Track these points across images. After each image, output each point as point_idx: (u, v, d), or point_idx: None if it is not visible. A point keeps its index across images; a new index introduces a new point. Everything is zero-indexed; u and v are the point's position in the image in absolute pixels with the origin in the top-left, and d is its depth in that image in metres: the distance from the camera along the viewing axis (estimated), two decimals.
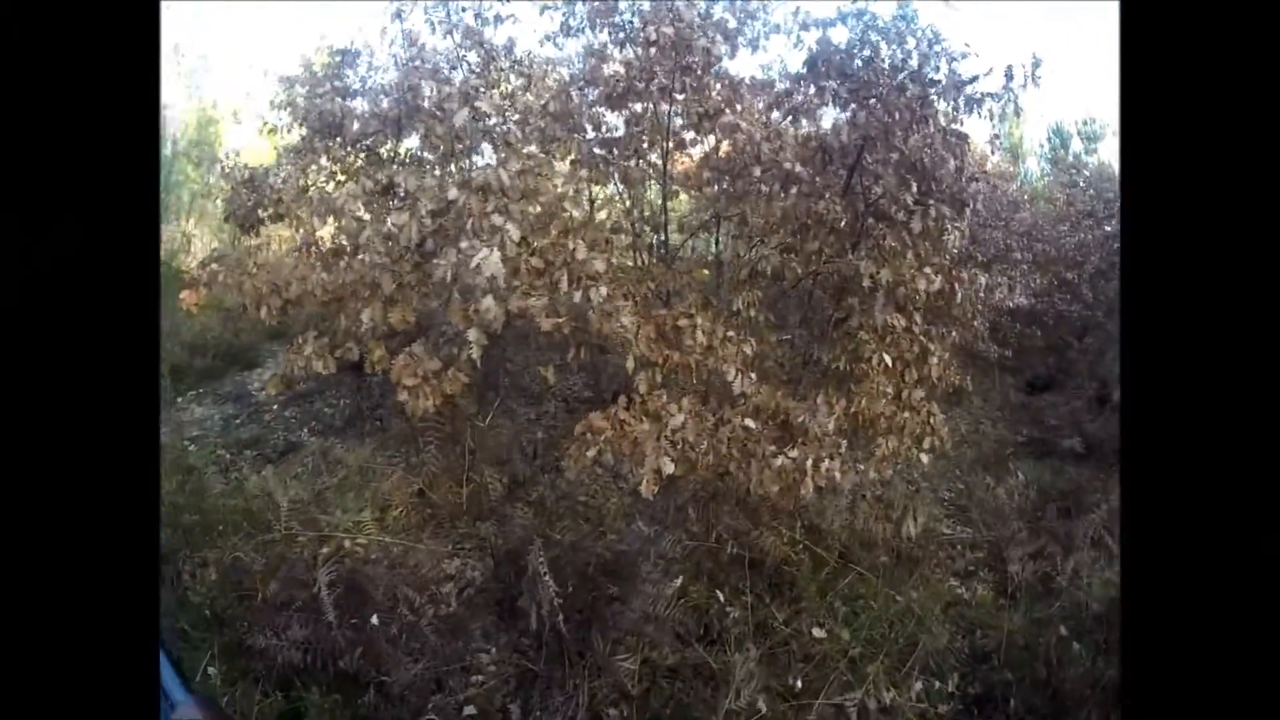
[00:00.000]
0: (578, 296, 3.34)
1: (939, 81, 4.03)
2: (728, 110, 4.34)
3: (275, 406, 6.25)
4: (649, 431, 3.40)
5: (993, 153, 10.73)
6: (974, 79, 4.01)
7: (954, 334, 5.06)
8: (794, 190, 4.07)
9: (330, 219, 4.01)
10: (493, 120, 4.41)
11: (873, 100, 4.04)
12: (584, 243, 3.36)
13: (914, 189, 3.82)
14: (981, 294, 4.69)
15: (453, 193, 3.35)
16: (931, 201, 3.91)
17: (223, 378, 7.12)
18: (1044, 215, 10.51)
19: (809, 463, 3.41)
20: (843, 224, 4.24)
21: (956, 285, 3.94)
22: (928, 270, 3.80)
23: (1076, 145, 14.13)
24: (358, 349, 3.77)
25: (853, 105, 4.16)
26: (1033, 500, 6.41)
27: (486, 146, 4.78)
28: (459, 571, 4.23)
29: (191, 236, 10.75)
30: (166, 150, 10.30)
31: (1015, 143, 15.52)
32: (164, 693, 1.05)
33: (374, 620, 3.61)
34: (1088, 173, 11.20)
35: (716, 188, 4.96)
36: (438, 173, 4.46)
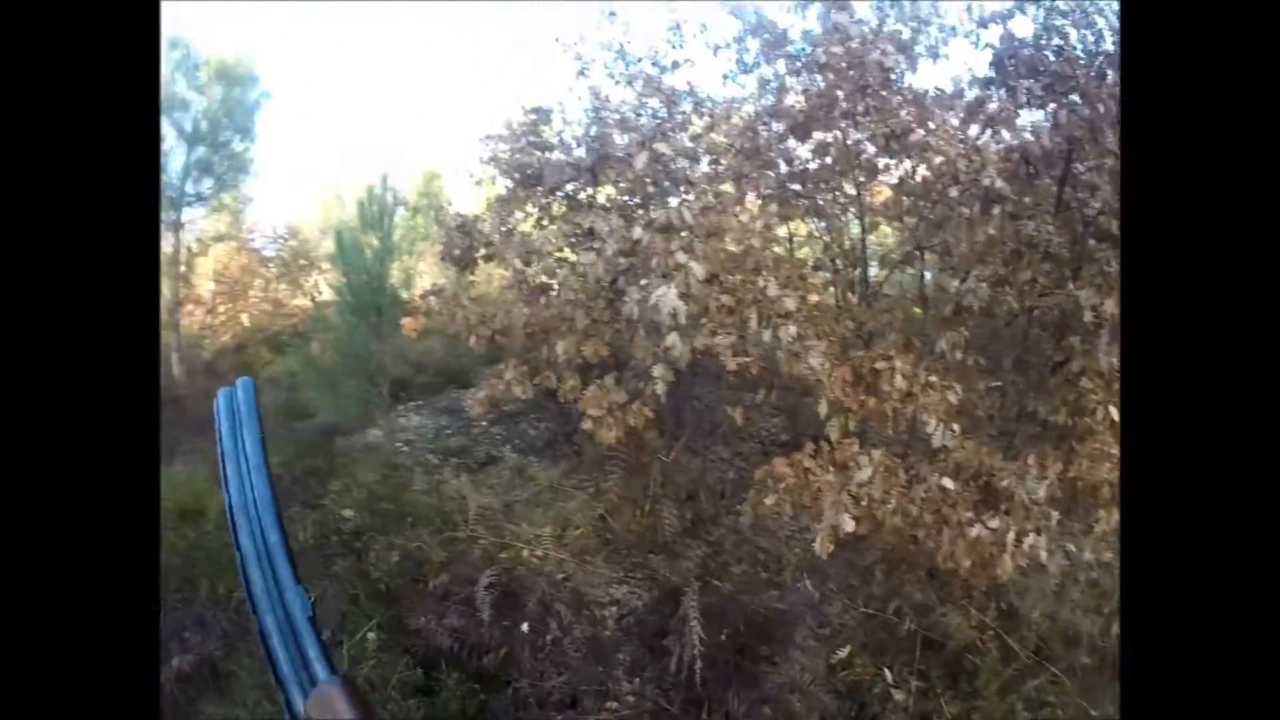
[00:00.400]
0: (767, 335, 3.33)
1: None
2: (916, 128, 4.12)
3: (484, 423, 6.77)
4: (833, 483, 3.21)
5: None
6: None
7: None
8: (997, 211, 3.78)
9: (533, 259, 4.39)
10: (679, 162, 4.64)
11: (1073, 95, 3.64)
12: (775, 280, 3.40)
13: None
14: None
15: (637, 232, 3.62)
16: None
17: (440, 393, 8.10)
18: None
19: (1011, 535, 3.09)
20: (1058, 247, 3.79)
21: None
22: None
23: None
24: (554, 377, 4.14)
25: (1050, 104, 3.82)
26: None
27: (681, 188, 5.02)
28: (623, 599, 4.42)
29: (417, 273, 12.24)
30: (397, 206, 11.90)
31: None
32: (306, 664, 0.98)
33: (524, 627, 3.89)
34: None
35: (916, 215, 4.74)
36: (629, 215, 4.76)
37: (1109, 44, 3.46)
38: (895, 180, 4.83)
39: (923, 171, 4.37)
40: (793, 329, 3.30)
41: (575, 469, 5.77)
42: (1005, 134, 4.27)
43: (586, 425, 3.75)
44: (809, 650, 3.69)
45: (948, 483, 3.24)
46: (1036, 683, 3.72)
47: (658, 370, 3.49)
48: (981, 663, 3.77)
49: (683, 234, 3.52)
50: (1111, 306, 3.06)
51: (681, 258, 3.36)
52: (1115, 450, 3.21)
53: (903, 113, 4.18)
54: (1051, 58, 3.77)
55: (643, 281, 3.45)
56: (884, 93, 4.15)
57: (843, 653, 3.71)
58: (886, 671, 3.72)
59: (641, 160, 4.13)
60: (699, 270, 3.34)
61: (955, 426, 3.34)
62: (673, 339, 3.32)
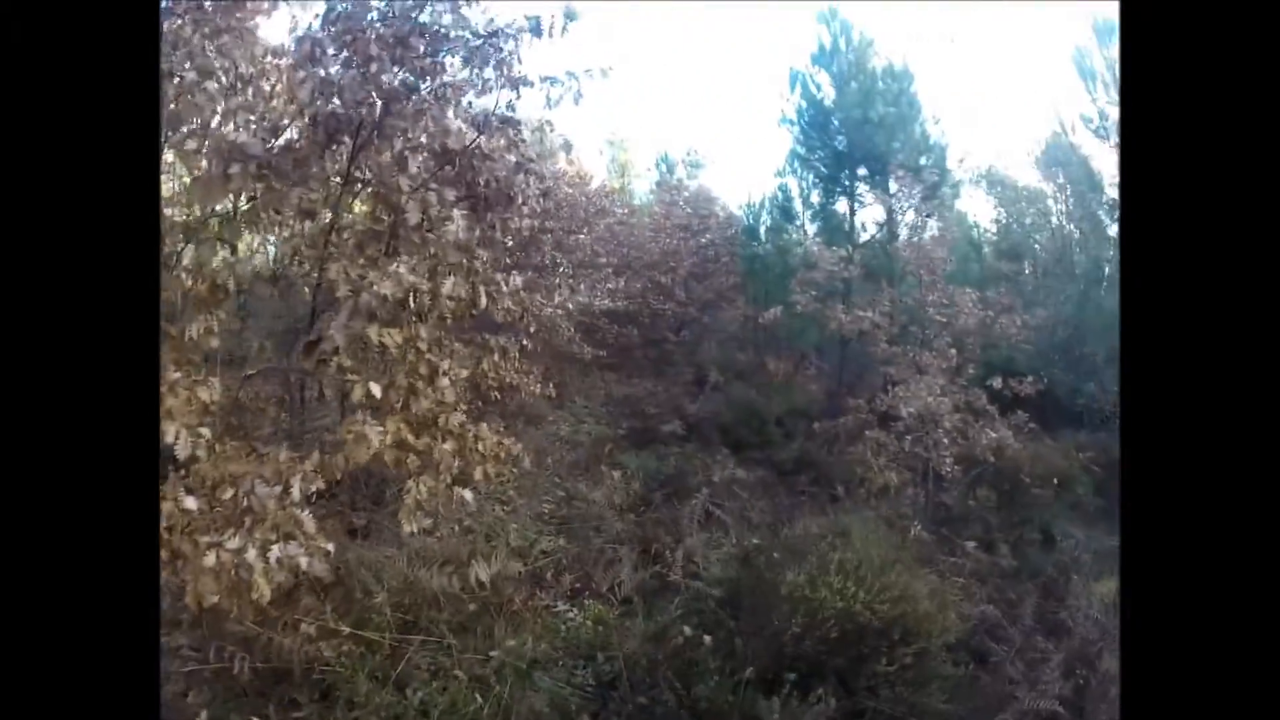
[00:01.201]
0: None
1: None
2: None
3: None
4: None
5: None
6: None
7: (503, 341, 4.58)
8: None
9: None
10: None
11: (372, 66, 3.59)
12: None
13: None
14: (522, 296, 4.04)
15: None
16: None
17: None
18: (642, 226, 12.23)
19: (253, 553, 2.68)
20: (344, 222, 3.98)
21: (483, 289, 3.58)
22: (454, 278, 3.47)
23: (681, 171, 16.49)
24: None
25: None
26: (637, 493, 6.51)
27: None
28: None
29: None
30: None
31: (623, 163, 19.04)
32: None
33: None
34: (687, 194, 13.24)
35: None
36: None
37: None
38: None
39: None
40: None
41: None
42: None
43: None
44: None
45: (190, 502, 2.71)
46: (408, 656, 3.67)
47: None
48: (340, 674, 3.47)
49: None
50: (376, 278, 3.13)
51: None
52: (381, 427, 3.15)
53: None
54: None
55: None
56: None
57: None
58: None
59: None
60: None
61: (205, 431, 2.84)
62: None
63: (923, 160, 9.70)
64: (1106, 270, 10.31)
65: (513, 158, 4.26)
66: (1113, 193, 10.20)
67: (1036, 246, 12.69)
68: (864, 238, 10.38)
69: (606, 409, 9.23)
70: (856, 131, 10.14)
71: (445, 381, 3.41)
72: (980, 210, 15.04)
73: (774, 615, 4.07)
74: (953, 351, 6.99)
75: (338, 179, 3.98)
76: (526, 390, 4.25)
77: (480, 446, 3.52)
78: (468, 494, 3.44)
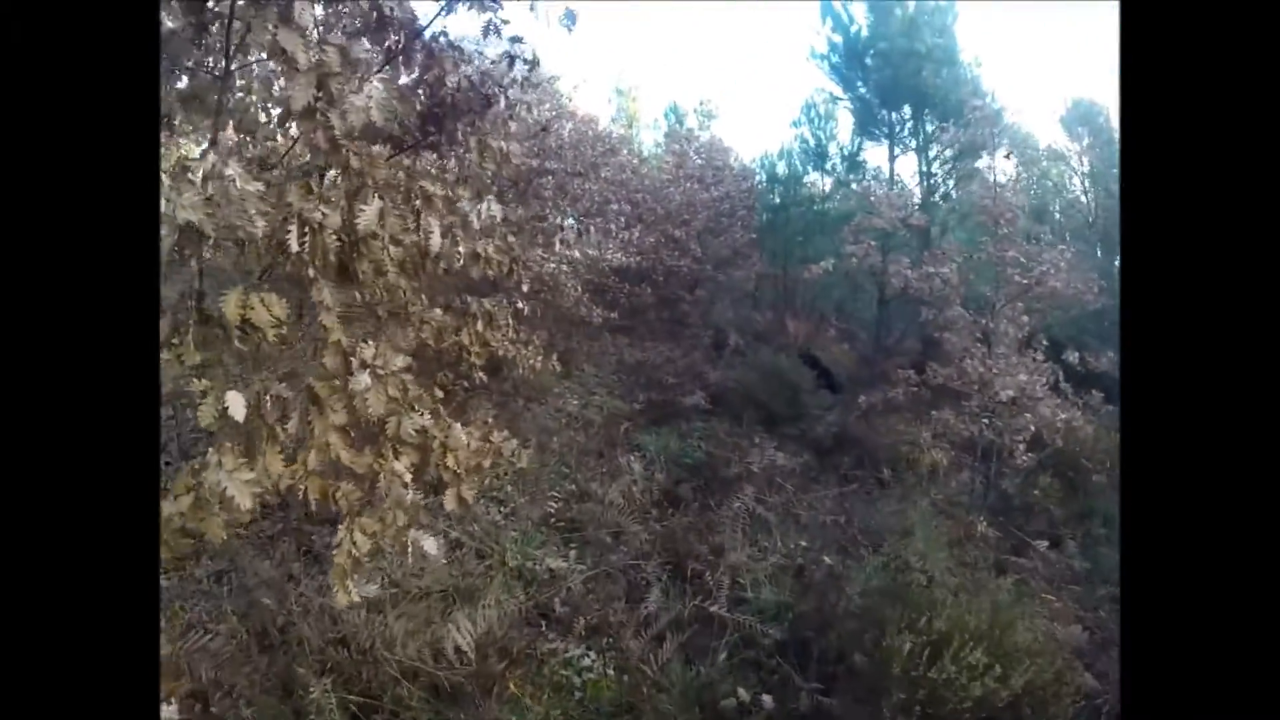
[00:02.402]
0: None
1: None
2: None
3: None
4: None
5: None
6: None
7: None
8: None
9: None
10: None
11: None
12: None
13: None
14: (511, 240, 2.93)
15: None
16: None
17: None
18: (653, 178, 10.57)
19: None
20: None
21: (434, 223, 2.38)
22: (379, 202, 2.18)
23: (691, 121, 14.91)
24: None
25: None
26: (661, 487, 5.53)
27: None
28: None
29: None
30: None
31: (631, 114, 16.78)
32: None
33: None
34: (699, 144, 11.51)
35: None
36: None
37: None
38: None
39: None
40: None
41: None
42: None
43: None
44: None
45: None
46: None
47: None
48: None
49: None
50: (234, 212, 1.91)
51: None
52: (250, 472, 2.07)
53: None
54: None
55: None
56: None
57: None
58: None
59: None
60: None
61: None
62: None
63: (974, 100, 7.74)
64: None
65: (494, 51, 3.31)
66: None
67: (1056, 213, 12.13)
68: (905, 186, 9.26)
69: (619, 378, 8.29)
70: (898, 65, 9.02)
71: (365, 379, 2.17)
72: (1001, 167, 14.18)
73: (846, 665, 3.33)
74: (1025, 318, 6.05)
75: None
76: (524, 363, 3.58)
77: (452, 460, 2.42)
78: (430, 544, 2.29)
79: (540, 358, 3.80)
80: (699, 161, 10.79)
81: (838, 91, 10.47)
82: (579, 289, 7.16)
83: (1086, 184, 12.27)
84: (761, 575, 4.34)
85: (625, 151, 10.95)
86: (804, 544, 4.63)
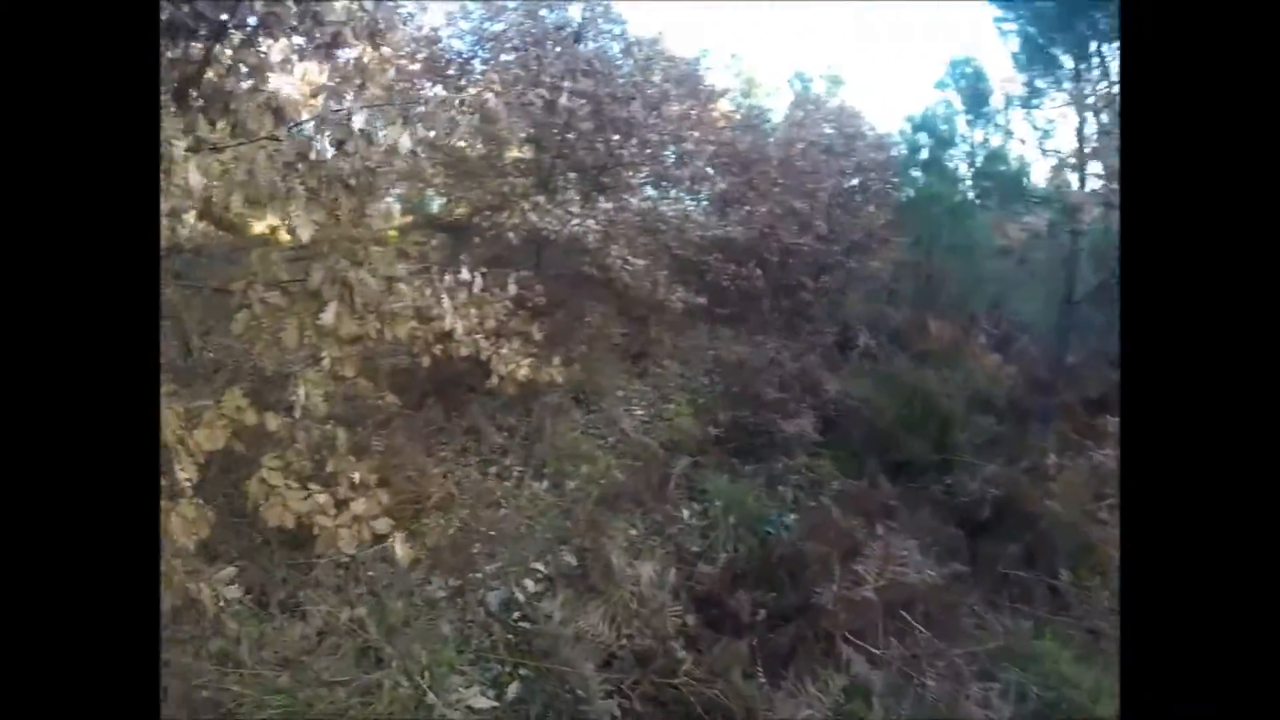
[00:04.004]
0: None
1: None
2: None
3: None
4: None
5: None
6: None
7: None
8: None
9: None
10: None
11: None
12: None
13: None
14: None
15: None
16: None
17: None
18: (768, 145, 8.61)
19: None
20: None
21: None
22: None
23: (818, 87, 12.93)
24: None
25: None
26: (707, 581, 3.31)
27: None
28: None
29: None
30: None
31: (749, 79, 14.31)
32: None
33: None
34: (827, 109, 9.82)
35: None
36: None
37: None
38: None
39: None
40: None
41: None
42: None
43: None
44: None
45: None
46: None
47: None
48: None
49: None
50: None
51: None
52: None
53: None
54: None
55: None
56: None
57: None
58: None
59: None
60: None
61: None
62: None
63: None
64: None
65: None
66: None
67: None
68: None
69: (710, 380, 6.47)
70: None
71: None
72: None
73: None
74: None
75: None
76: (502, 367, 2.67)
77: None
78: None
79: (527, 360, 2.78)
80: (828, 130, 8.93)
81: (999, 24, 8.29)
82: (662, 269, 5.76)
83: None
84: None
85: (724, 101, 9.09)
86: None
